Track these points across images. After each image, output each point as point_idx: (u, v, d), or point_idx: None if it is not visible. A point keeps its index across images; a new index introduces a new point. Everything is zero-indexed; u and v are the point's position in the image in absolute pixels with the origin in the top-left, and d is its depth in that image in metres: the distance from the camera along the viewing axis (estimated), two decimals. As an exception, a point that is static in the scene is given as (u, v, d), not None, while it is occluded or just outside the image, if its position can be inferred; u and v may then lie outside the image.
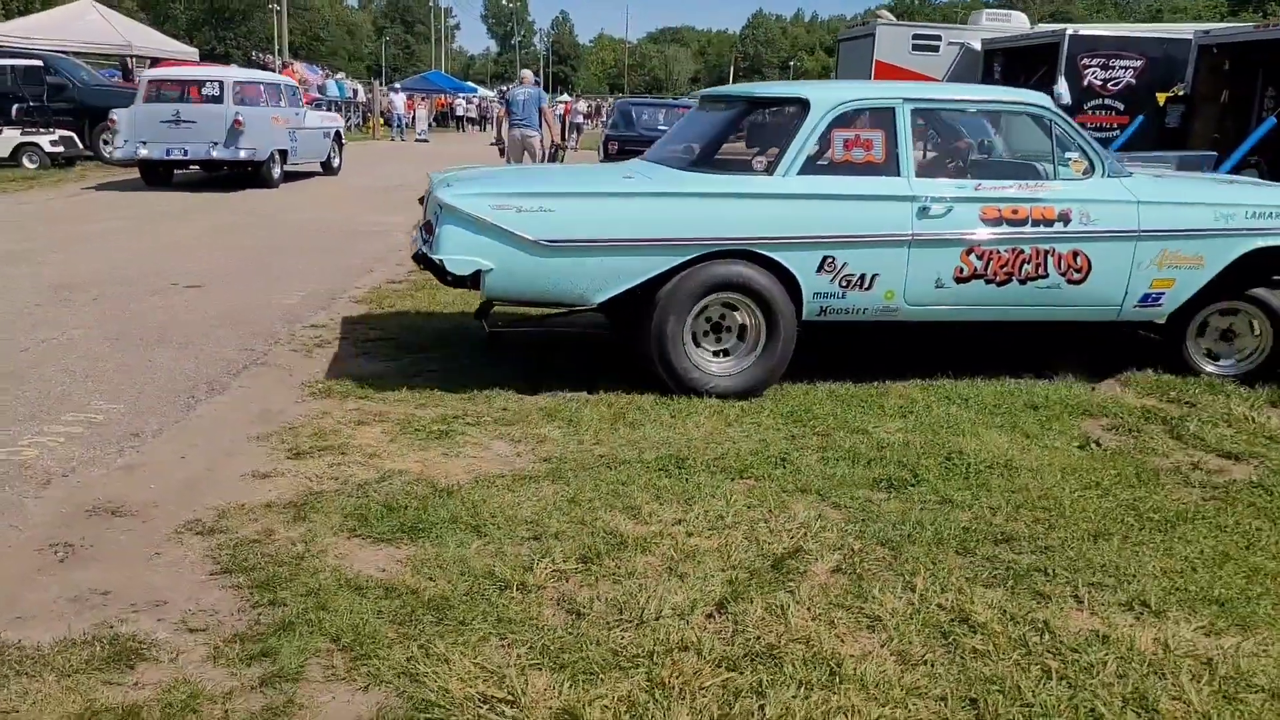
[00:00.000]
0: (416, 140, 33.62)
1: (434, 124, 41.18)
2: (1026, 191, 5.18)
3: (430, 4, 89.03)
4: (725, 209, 4.93)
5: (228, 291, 7.35)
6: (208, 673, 2.54)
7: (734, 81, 76.14)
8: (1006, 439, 4.49)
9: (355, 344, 5.98)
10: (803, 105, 5.13)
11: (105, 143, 15.84)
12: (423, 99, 40.59)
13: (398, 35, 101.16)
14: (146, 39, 23.05)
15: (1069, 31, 12.82)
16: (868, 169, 5.09)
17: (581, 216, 4.81)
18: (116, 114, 13.87)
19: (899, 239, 5.01)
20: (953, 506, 3.72)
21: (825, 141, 5.09)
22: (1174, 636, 2.83)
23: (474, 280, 4.74)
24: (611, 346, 5.76)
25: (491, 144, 29.98)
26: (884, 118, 5.15)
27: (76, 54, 19.04)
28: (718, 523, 3.51)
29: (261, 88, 14.89)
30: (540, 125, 12.92)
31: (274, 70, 25.38)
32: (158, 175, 14.47)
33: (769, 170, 5.06)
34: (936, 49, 15.57)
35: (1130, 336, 6.12)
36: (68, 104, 15.80)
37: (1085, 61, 12.64)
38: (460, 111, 48.02)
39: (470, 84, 59.93)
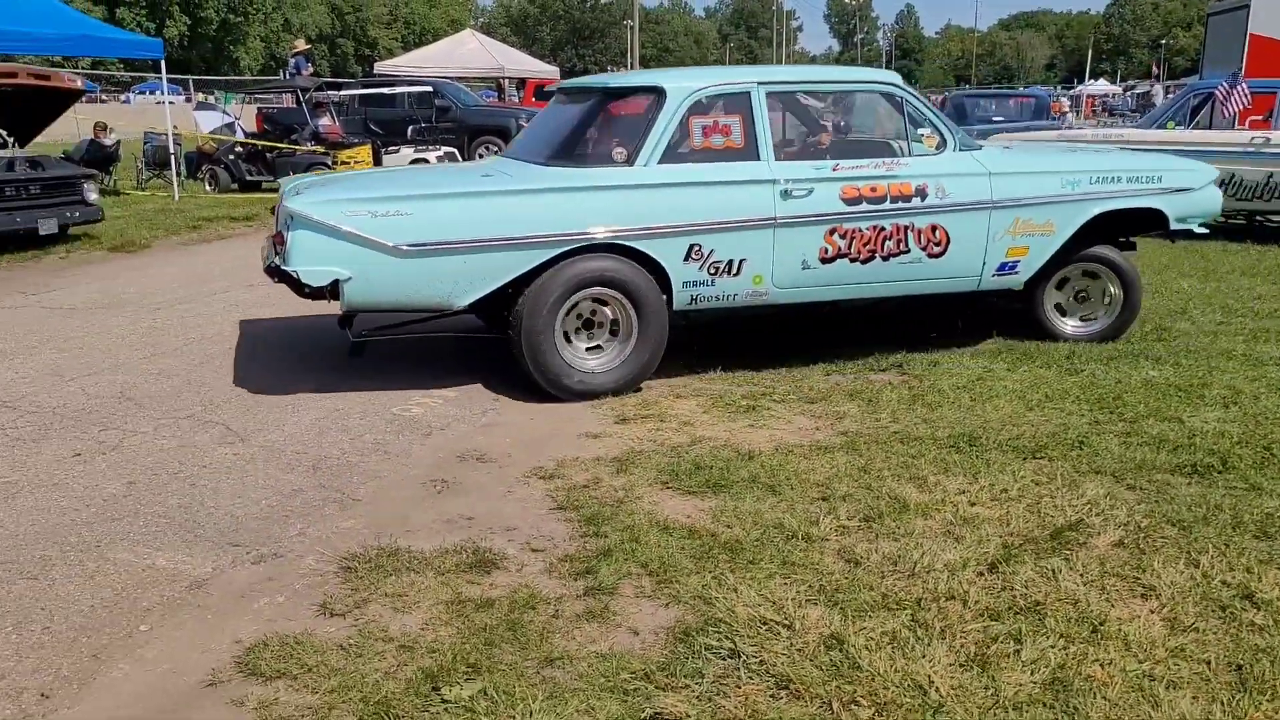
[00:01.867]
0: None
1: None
2: (883, 169, 5.27)
3: (773, 7, 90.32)
4: (586, 202, 4.89)
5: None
6: (545, 582, 3.12)
7: (1091, 65, 70.76)
8: (1341, 433, 4.22)
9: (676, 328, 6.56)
10: (659, 94, 5.11)
11: (479, 156, 17.82)
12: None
13: (741, 40, 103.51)
14: (517, 61, 25.50)
15: None
16: (728, 154, 5.12)
17: (439, 218, 4.70)
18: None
19: (763, 222, 5.07)
20: (1260, 494, 3.62)
21: (684, 129, 5.09)
22: None
23: (333, 291, 4.61)
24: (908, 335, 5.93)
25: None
26: (740, 102, 5.16)
27: (459, 78, 21.54)
28: (1001, 495, 3.67)
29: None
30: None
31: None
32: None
33: (629, 161, 5.02)
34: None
35: None
36: (452, 124, 17.93)
37: None
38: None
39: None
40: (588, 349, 5.05)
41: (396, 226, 4.59)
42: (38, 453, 4.13)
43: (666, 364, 5.55)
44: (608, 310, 5.00)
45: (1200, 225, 6.01)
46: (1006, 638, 2.71)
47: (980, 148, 5.69)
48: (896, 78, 5.64)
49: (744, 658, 2.64)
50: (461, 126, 18.14)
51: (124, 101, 40.11)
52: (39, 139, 10.75)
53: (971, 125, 14.59)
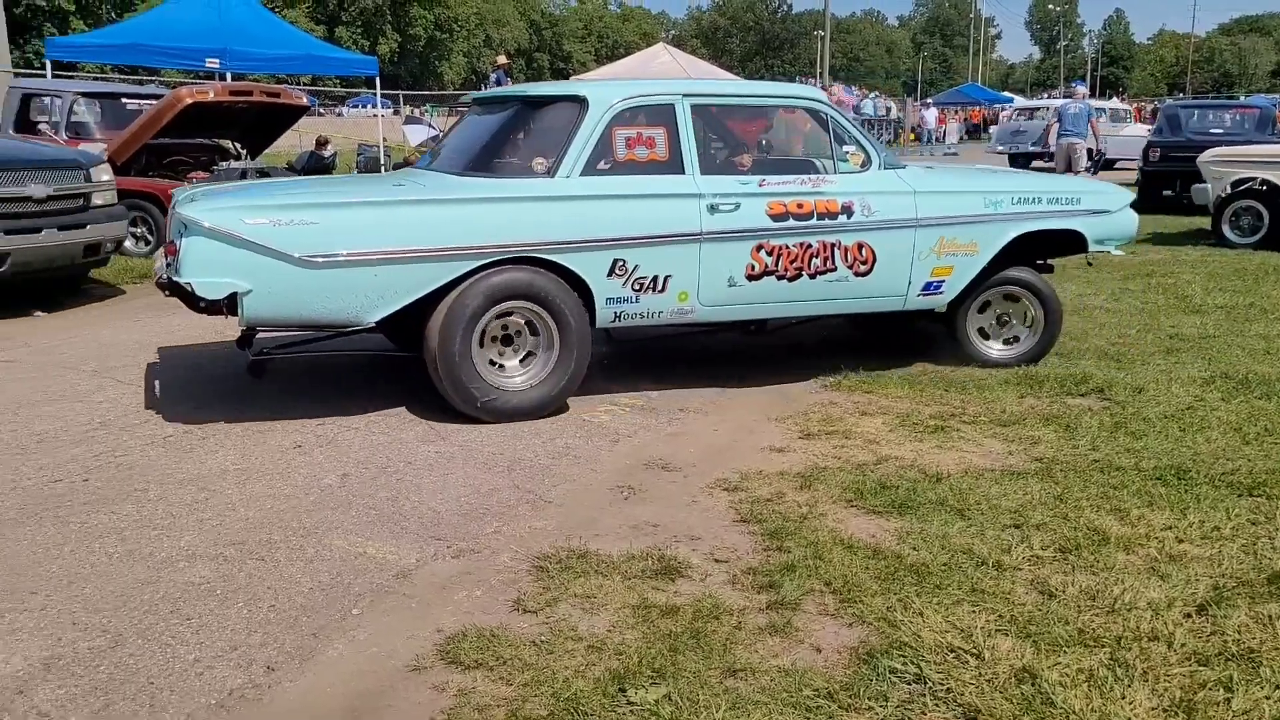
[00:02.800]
0: (945, 155, 33.54)
1: (965, 136, 40.70)
2: (810, 186, 5.18)
3: (971, 15, 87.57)
4: (505, 214, 4.72)
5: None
6: (727, 593, 3.16)
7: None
8: None
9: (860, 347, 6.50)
10: (581, 104, 4.95)
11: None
12: (955, 112, 40.33)
13: (936, 49, 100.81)
14: (706, 73, 25.70)
15: None
16: (652, 167, 4.98)
17: (348, 228, 4.46)
18: None
19: (689, 237, 4.93)
20: None
21: (607, 141, 4.92)
22: None
23: (230, 305, 4.35)
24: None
25: (998, 150, 29.00)
26: (664, 114, 5.03)
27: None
28: (1213, 533, 3.47)
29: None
30: (1088, 135, 14.63)
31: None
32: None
33: (550, 172, 4.86)
34: None
35: None
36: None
37: None
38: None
39: (1007, 94, 58.10)
40: (504, 367, 4.88)
41: (301, 236, 4.32)
42: (263, 443, 4.49)
43: (854, 380, 5.50)
44: (527, 326, 4.87)
45: (1117, 248, 5.99)
46: (1216, 685, 2.57)
47: (904, 167, 5.67)
48: (821, 94, 5.62)
49: (930, 684, 2.61)
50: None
51: (339, 115, 42.79)
52: (267, 151, 11.62)
53: (1187, 138, 13.74)
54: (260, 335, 4.98)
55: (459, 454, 4.41)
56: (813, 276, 5.21)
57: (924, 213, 5.38)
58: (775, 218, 5.09)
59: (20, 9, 40.76)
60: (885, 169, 5.44)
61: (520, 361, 4.90)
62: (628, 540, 3.55)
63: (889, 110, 41.81)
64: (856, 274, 5.29)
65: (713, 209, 4.98)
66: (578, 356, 4.86)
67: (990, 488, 3.94)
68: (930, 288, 5.51)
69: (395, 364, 5.71)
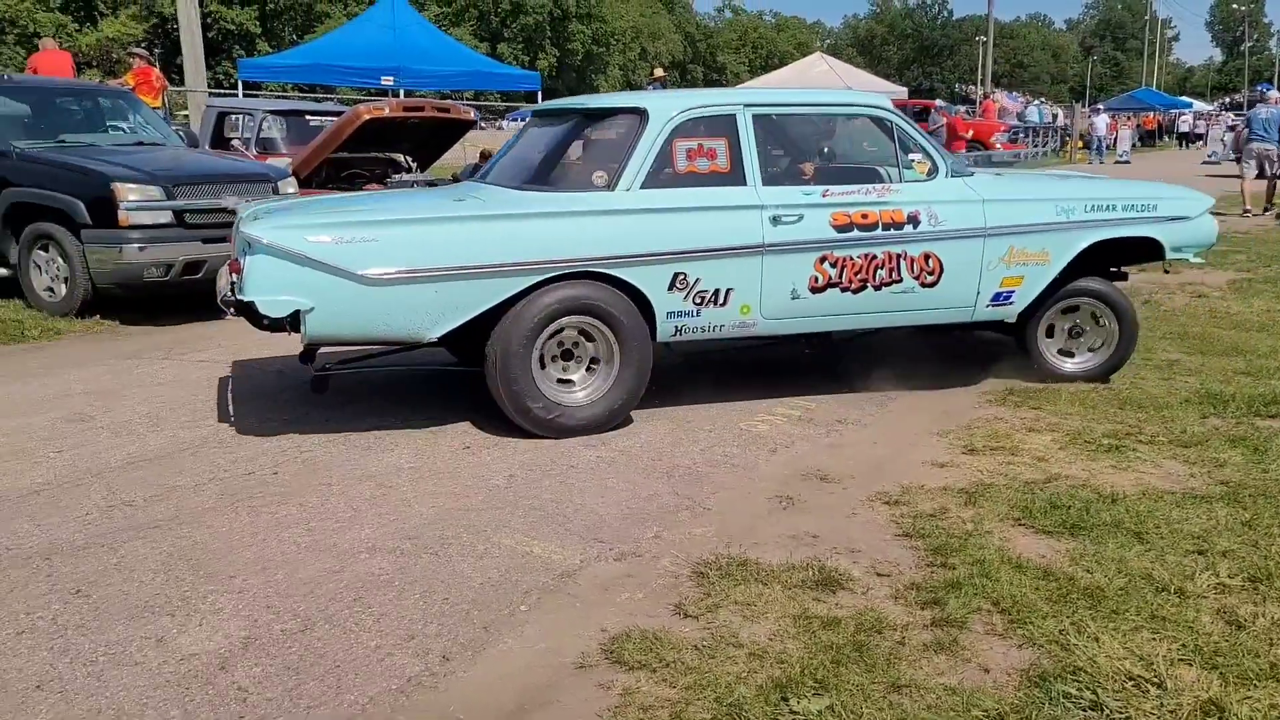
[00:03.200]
0: (1116, 162, 32.02)
1: (1138, 144, 38.76)
2: (874, 195, 5.07)
3: (1145, 17, 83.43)
4: (564, 228, 4.64)
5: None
6: (889, 608, 3.12)
7: None
8: None
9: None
10: (641, 116, 4.86)
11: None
12: (1128, 118, 38.48)
13: (1106, 53, 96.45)
14: (864, 83, 25.39)
15: None
16: (713, 179, 4.88)
17: (409, 245, 4.44)
18: None
19: (751, 250, 4.83)
20: None
21: (667, 152, 4.84)
22: None
23: (293, 322, 4.36)
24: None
25: (1205, 160, 27.47)
26: (725, 125, 4.93)
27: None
28: None
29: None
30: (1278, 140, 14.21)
31: (978, 100, 26.10)
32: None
33: (610, 185, 4.77)
34: None
35: None
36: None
37: None
38: (1185, 128, 44.63)
39: (1185, 99, 55.10)
40: (565, 382, 4.82)
41: (363, 253, 4.33)
42: (435, 444, 4.69)
43: (1021, 395, 5.34)
44: (589, 342, 4.80)
45: (1196, 256, 5.73)
46: None
47: (973, 174, 5.50)
48: (887, 101, 5.44)
49: (1108, 712, 2.52)
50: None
51: (499, 128, 44.17)
52: (435, 164, 12.10)
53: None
54: (323, 350, 4.98)
55: (619, 459, 4.50)
56: (878, 288, 5.10)
57: (993, 221, 5.24)
58: (839, 229, 5.00)
59: (212, 33, 43.63)
60: (952, 177, 5.30)
61: (580, 376, 4.84)
62: (787, 550, 3.55)
63: (1055, 117, 40.28)
64: (923, 285, 5.16)
65: (775, 220, 4.90)
66: (638, 371, 4.80)
67: (1171, 511, 3.76)
68: (999, 298, 5.36)
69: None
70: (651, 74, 23.62)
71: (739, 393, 5.50)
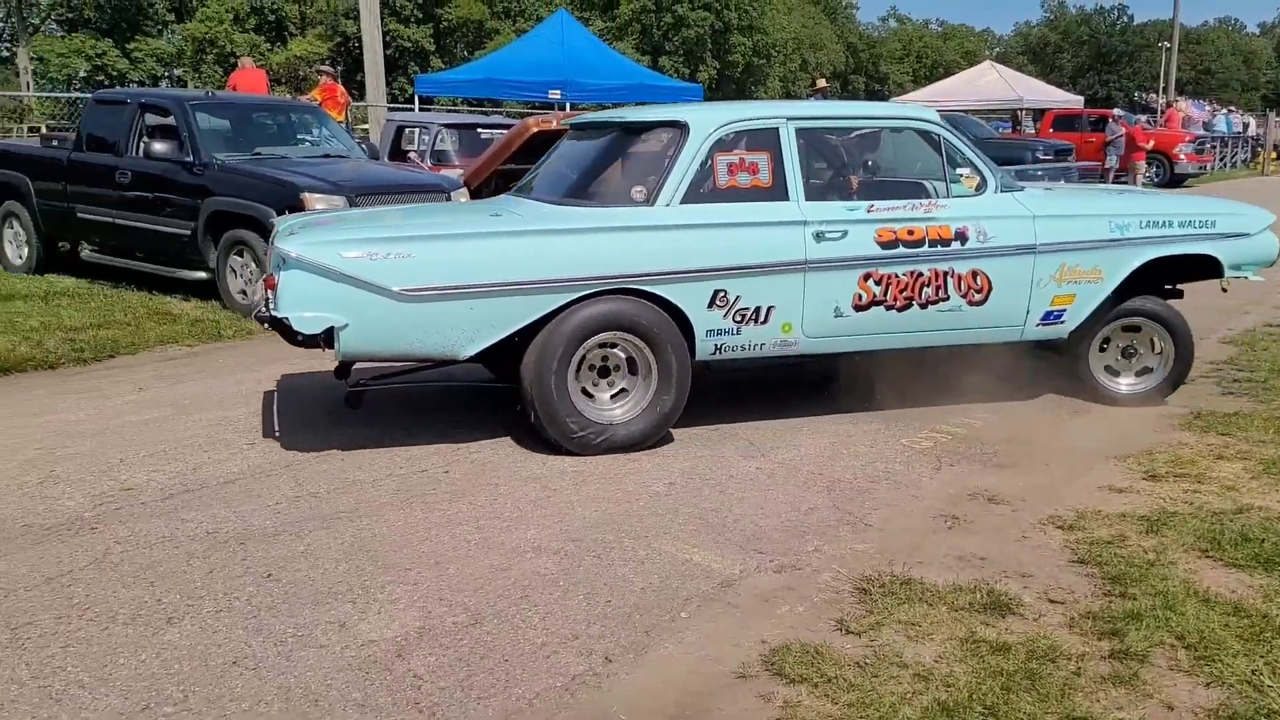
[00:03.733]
0: (1317, 174, 29.78)
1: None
2: (921, 211, 4.95)
3: (1352, 17, 77.36)
4: (602, 244, 4.55)
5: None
6: (1063, 636, 3.01)
7: None
8: None
9: (1221, 382, 5.95)
10: (681, 129, 4.76)
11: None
12: (1330, 127, 35.71)
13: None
14: (1037, 91, 24.51)
15: None
16: (755, 194, 4.77)
17: (445, 261, 4.36)
18: None
19: (793, 266, 4.72)
20: None
21: (708, 167, 4.72)
22: None
23: (327, 339, 4.27)
24: None
25: None
26: (768, 139, 4.82)
27: (973, 111, 21.19)
28: None
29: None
30: None
31: (1160, 109, 24.78)
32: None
33: (649, 200, 4.66)
34: None
35: None
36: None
37: None
38: None
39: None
40: (603, 399, 4.71)
41: (397, 269, 4.27)
42: (596, 449, 4.78)
43: (1208, 419, 5.07)
44: (625, 359, 4.69)
45: (1255, 274, 5.52)
46: None
47: (1023, 189, 5.34)
48: (934, 115, 5.32)
49: (1306, 759, 2.36)
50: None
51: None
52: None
53: None
54: (359, 365, 4.92)
55: (779, 471, 4.48)
56: (924, 306, 4.96)
57: (1044, 238, 5.09)
58: (884, 245, 4.87)
59: (390, 50, 45.73)
60: (1002, 192, 5.16)
61: (617, 395, 4.74)
62: (953, 571, 3.46)
63: (1245, 127, 37.81)
64: (971, 303, 5.02)
65: (818, 236, 4.78)
66: (676, 390, 4.68)
67: (1381, 550, 3.48)
68: (1050, 317, 5.20)
69: (720, 380, 5.89)
70: (813, 85, 23.41)
71: (899, 407, 5.39)
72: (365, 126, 15.62)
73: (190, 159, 7.88)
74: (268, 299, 4.45)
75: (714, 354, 4.80)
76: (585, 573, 3.44)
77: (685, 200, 4.70)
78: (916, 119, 5.31)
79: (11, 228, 9.45)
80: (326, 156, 8.73)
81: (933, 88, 26.32)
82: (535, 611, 3.17)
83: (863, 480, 4.38)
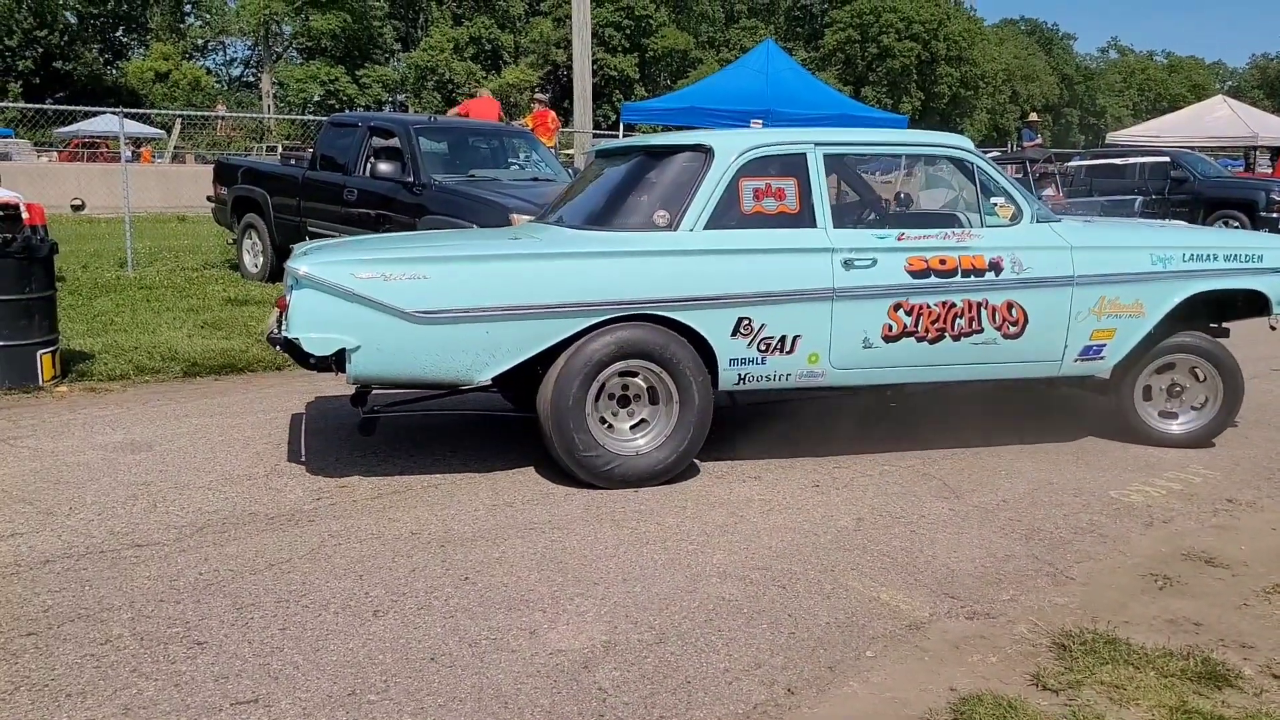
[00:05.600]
0: None
1: None
2: (954, 240, 4.84)
3: None
4: (625, 269, 4.44)
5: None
6: (1289, 715, 2.78)
7: None
8: None
9: None
10: (706, 154, 4.66)
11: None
12: None
13: None
14: (1272, 128, 22.78)
15: None
16: (781, 220, 4.67)
17: (460, 283, 4.27)
18: None
19: (821, 294, 4.61)
20: None
21: (733, 192, 4.62)
22: None
23: (339, 361, 4.16)
24: None
25: None
26: (795, 164, 4.72)
27: (1203, 148, 19.92)
28: None
29: None
30: None
31: None
32: None
33: (672, 226, 4.56)
34: None
35: None
36: (1187, 196, 16.62)
37: None
38: None
39: None
40: (623, 428, 4.55)
41: (412, 291, 4.19)
42: (785, 478, 4.76)
43: None
44: (646, 387, 4.55)
45: None
46: None
47: (1060, 220, 5.16)
48: (967, 142, 5.13)
49: None
50: (1198, 199, 16.71)
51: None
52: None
53: None
54: (375, 391, 4.75)
55: (973, 514, 4.34)
56: (956, 338, 4.81)
57: (1082, 270, 4.94)
58: (915, 274, 4.73)
59: (597, 78, 47.20)
60: (1038, 222, 5.00)
61: (637, 425, 4.59)
62: (1164, 634, 3.26)
63: None
64: (1005, 336, 4.87)
65: (847, 264, 4.64)
66: (698, 420, 4.53)
67: None
68: (1089, 352, 5.03)
69: (907, 410, 5.77)
70: (1025, 118, 22.59)
71: (1107, 458, 5.12)
72: (570, 152, 16.16)
73: (411, 179, 8.37)
74: (280, 320, 4.44)
75: (738, 384, 4.69)
76: (770, 602, 3.43)
77: (710, 226, 4.60)
78: (950, 146, 5.15)
79: (250, 239, 10.30)
80: (535, 180, 9.08)
81: (1155, 122, 24.87)
82: (719, 636, 3.18)
83: (1065, 531, 4.18)
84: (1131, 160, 17.68)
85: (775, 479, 4.75)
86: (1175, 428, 5.37)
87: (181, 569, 3.58)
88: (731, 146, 4.71)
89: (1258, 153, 22.39)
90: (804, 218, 4.71)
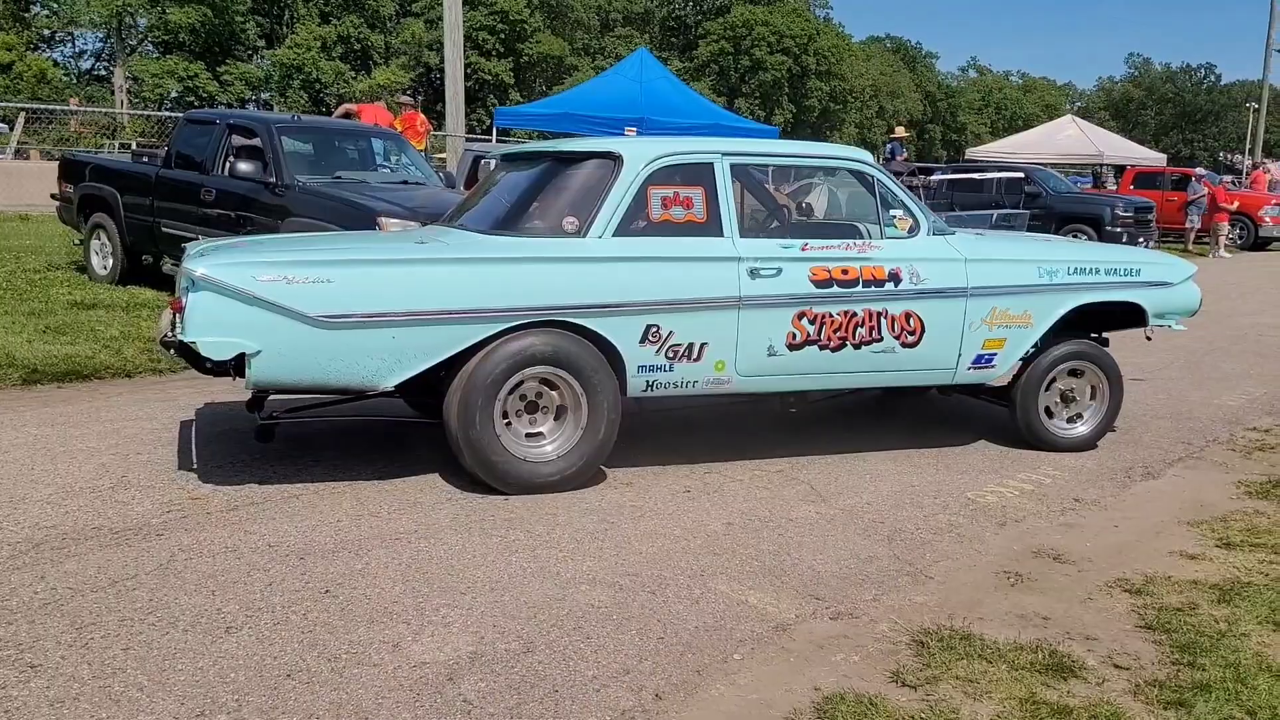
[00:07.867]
0: None
1: None
2: (855, 251, 4.96)
3: None
4: (533, 275, 4.44)
5: (1166, 387, 7.54)
6: (1128, 703, 2.91)
7: None
8: None
9: (1303, 453, 5.75)
10: (615, 161, 4.67)
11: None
12: None
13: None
14: (1118, 148, 24.18)
15: None
16: (689, 229, 4.70)
17: (365, 287, 4.21)
18: None
19: (727, 303, 4.65)
20: None
21: (641, 200, 4.63)
22: None
23: (237, 366, 4.09)
24: None
25: None
26: (703, 173, 4.76)
27: (1052, 165, 20.95)
28: None
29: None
30: None
31: (1245, 170, 24.31)
32: None
33: (581, 232, 4.56)
34: None
35: None
36: (1040, 210, 17.45)
37: None
38: None
39: None
40: (530, 435, 4.55)
41: (315, 294, 4.09)
42: (657, 484, 4.77)
43: (1286, 491, 4.91)
44: (554, 394, 4.55)
45: (1177, 323, 5.66)
46: None
47: (954, 232, 5.34)
48: (868, 155, 5.32)
49: None
50: (1050, 213, 17.58)
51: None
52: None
53: None
54: (272, 397, 4.69)
55: (840, 517, 4.43)
56: (857, 347, 4.94)
57: (975, 281, 5.12)
58: (819, 284, 4.85)
59: (470, 82, 46.69)
60: (934, 235, 5.17)
61: (545, 431, 4.58)
62: (1015, 629, 3.38)
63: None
64: (904, 345, 5.02)
65: (753, 273, 4.72)
66: (606, 427, 4.55)
67: None
68: (981, 361, 5.23)
69: (782, 418, 5.86)
70: (890, 132, 23.36)
71: (965, 462, 5.31)
72: (442, 155, 15.91)
73: (273, 180, 8.09)
74: (174, 322, 4.26)
75: (645, 390, 4.71)
76: (639, 608, 3.43)
77: (618, 233, 4.60)
78: (851, 159, 5.31)
79: (99, 239, 9.78)
80: (404, 183, 8.90)
81: (1011, 139, 26.11)
82: (588, 644, 3.16)
83: (925, 532, 4.31)
84: (990, 175, 18.48)
85: (646, 485, 4.75)
86: (1074, 431, 5.57)
87: (15, 588, 3.36)
88: (640, 154, 4.72)
89: (1105, 170, 23.72)
90: (711, 226, 4.74)
